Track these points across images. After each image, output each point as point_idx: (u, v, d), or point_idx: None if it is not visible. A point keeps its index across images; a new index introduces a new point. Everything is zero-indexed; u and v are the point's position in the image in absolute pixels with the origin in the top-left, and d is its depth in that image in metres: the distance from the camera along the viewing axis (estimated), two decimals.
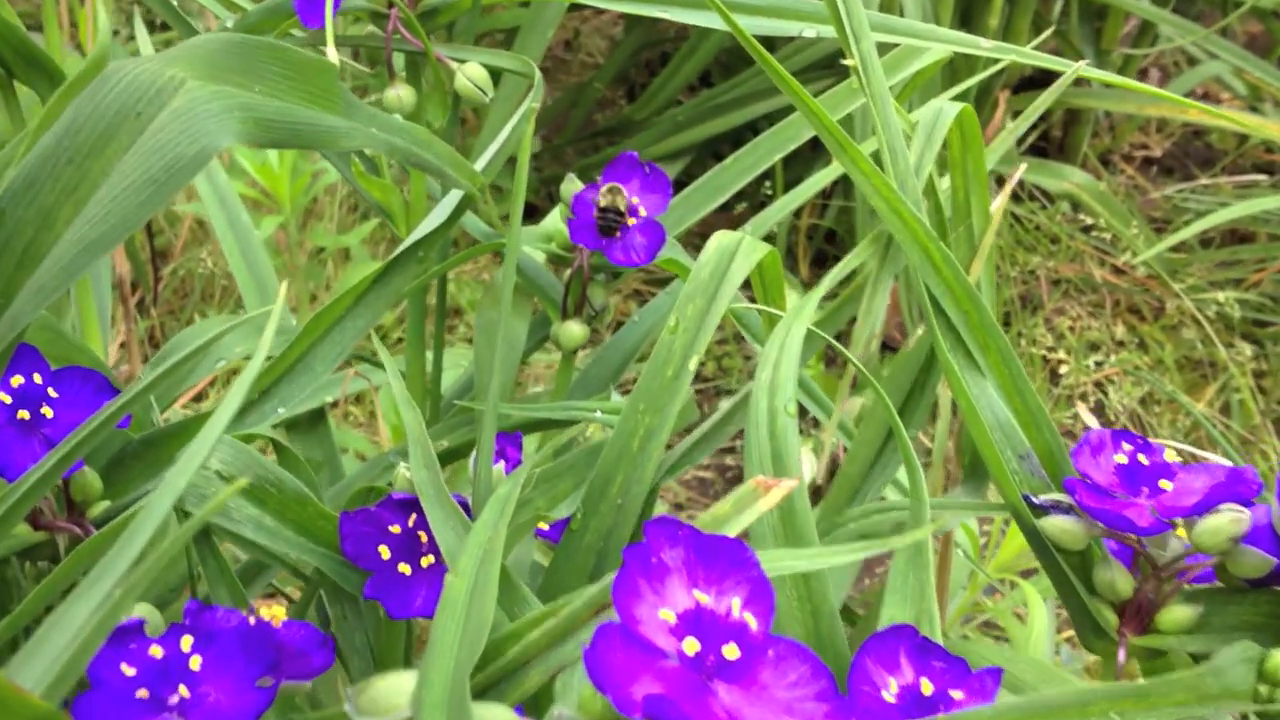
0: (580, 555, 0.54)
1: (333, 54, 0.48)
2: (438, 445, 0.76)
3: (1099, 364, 1.51)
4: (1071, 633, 1.14)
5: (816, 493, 1.48)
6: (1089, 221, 1.66)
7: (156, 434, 0.57)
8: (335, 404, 1.25)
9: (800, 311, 0.48)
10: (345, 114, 0.43)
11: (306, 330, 0.60)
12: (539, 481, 0.55)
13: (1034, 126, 1.73)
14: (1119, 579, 0.49)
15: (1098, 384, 1.50)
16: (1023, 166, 1.06)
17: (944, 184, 0.58)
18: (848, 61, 0.51)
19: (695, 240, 1.71)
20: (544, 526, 0.60)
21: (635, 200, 0.68)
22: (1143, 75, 1.92)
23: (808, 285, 1.66)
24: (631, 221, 0.68)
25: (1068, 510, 0.50)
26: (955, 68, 1.64)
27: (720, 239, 0.57)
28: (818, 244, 1.70)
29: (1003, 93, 1.60)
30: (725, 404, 0.57)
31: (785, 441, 0.45)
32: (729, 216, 1.71)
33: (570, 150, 1.75)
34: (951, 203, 0.57)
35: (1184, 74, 1.84)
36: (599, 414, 0.65)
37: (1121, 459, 0.50)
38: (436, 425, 0.78)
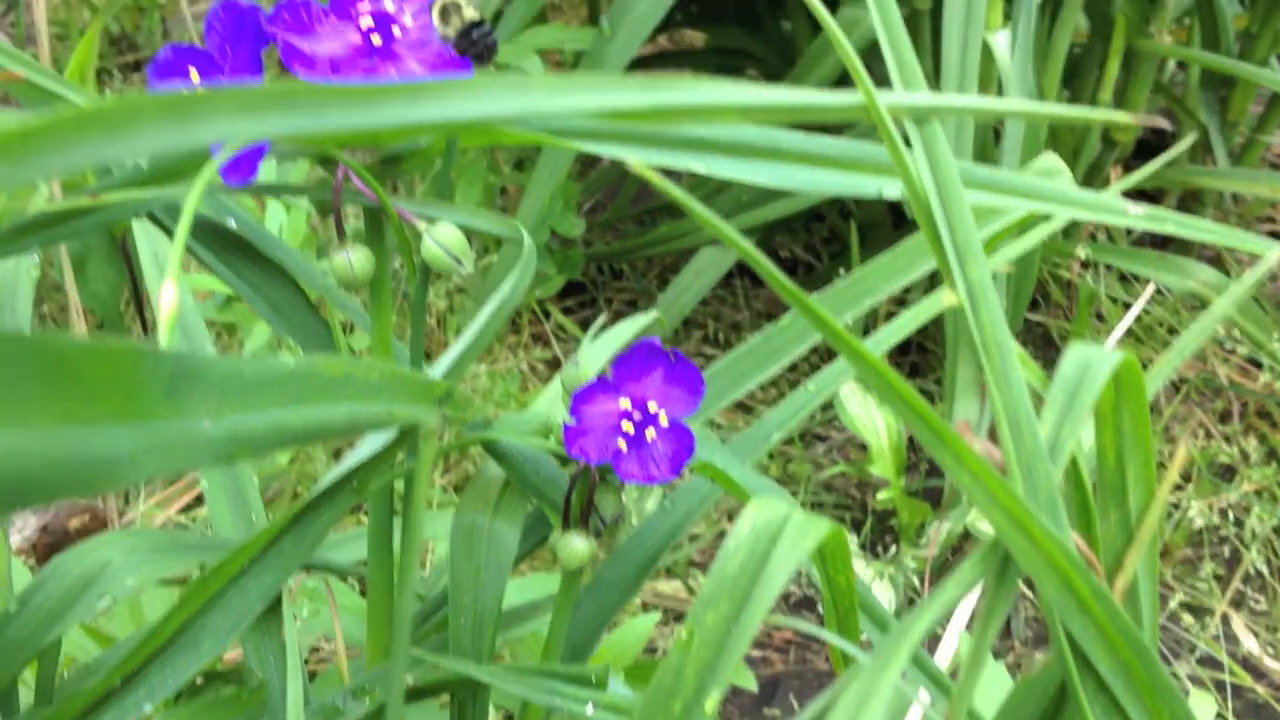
0: None
1: (169, 295, 0.31)
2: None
3: (1230, 485, 1.30)
4: None
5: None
6: None
7: None
8: None
9: (879, 686, 0.31)
10: (149, 414, 0.27)
11: (187, 598, 0.44)
12: None
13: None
14: None
15: (1226, 512, 1.29)
16: (1149, 289, 0.87)
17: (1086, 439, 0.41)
18: (947, 301, 0.33)
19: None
20: None
21: (654, 405, 0.52)
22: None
23: None
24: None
25: None
26: (1057, 134, 1.45)
27: (757, 513, 0.40)
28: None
29: (1115, 169, 1.41)
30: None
31: None
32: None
33: (629, 224, 1.58)
34: (1098, 469, 0.39)
35: None
36: (590, 708, 0.48)
37: None
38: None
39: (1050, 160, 0.62)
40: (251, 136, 0.23)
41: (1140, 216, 0.48)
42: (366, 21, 0.44)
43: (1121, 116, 0.35)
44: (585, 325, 1.51)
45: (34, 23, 1.36)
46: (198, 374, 0.30)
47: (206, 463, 0.28)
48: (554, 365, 1.44)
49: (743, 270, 1.55)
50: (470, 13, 0.46)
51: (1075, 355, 0.35)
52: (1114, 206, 0.48)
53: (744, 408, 1.39)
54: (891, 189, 0.50)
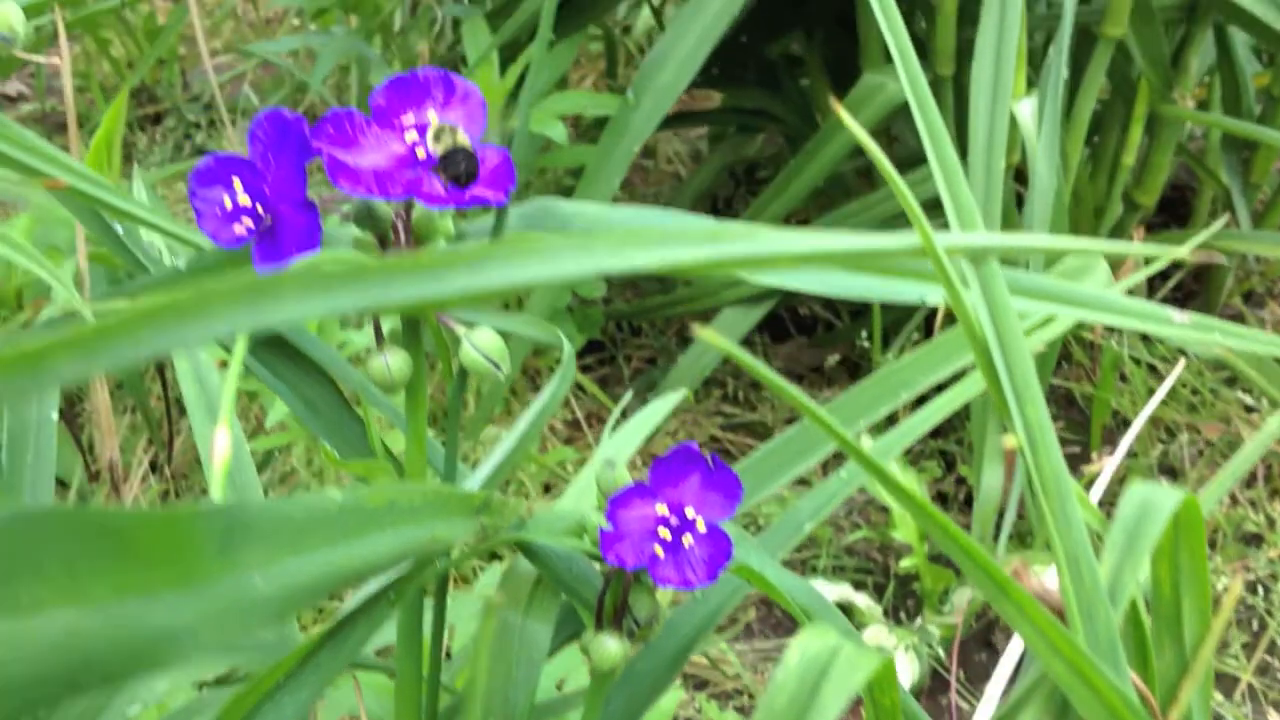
0: None
1: (221, 444, 0.30)
2: None
3: (1256, 551, 1.29)
4: None
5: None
6: (1234, 374, 1.44)
7: None
8: None
9: None
10: (204, 576, 0.27)
11: (222, 717, 0.44)
12: None
13: (1167, 274, 1.53)
14: None
15: (1255, 586, 1.28)
16: (1180, 365, 0.86)
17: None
18: (1009, 443, 0.33)
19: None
20: None
21: (691, 511, 0.51)
22: None
23: (912, 460, 1.46)
24: None
25: None
26: (1080, 196, 1.45)
27: (805, 646, 0.39)
28: None
29: (1138, 230, 1.40)
30: None
31: None
32: (819, 377, 1.53)
33: (649, 281, 1.58)
34: (1153, 601, 0.38)
35: None
36: None
37: None
38: None
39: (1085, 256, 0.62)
40: (322, 314, 0.23)
41: (1186, 325, 0.48)
42: (411, 135, 0.44)
43: (1180, 251, 0.34)
44: (604, 383, 1.50)
45: (58, 73, 1.36)
46: (249, 526, 0.29)
47: (262, 624, 0.28)
48: (573, 425, 1.43)
49: (762, 327, 1.54)
50: (462, 139, 0.47)
51: (1135, 495, 0.34)
52: (1159, 315, 0.47)
53: None
54: (933, 296, 0.50)
